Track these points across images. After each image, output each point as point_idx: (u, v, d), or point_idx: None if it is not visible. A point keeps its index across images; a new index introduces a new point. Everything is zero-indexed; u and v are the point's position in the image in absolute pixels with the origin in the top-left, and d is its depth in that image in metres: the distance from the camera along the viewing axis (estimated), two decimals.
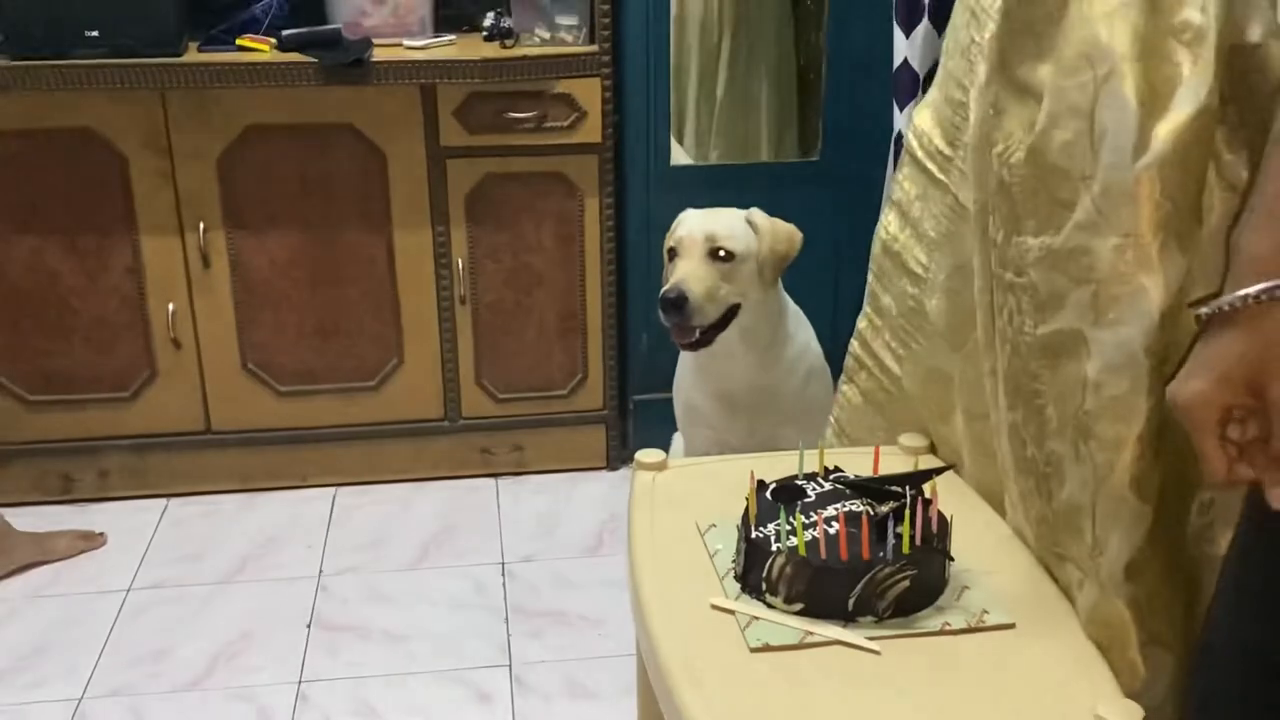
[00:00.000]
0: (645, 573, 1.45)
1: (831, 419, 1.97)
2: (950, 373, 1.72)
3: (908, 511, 1.34)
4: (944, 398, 1.74)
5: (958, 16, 1.56)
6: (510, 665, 2.29)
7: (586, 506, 2.85)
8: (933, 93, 1.65)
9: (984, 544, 1.47)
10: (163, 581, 2.55)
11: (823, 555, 1.34)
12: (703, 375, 2.30)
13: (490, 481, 2.95)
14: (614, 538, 2.71)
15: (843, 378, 1.90)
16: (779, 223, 2.19)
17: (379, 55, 2.59)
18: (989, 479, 1.57)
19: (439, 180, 2.70)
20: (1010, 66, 1.37)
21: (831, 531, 1.36)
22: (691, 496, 1.63)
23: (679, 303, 2.06)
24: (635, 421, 2.99)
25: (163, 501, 2.85)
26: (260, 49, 2.59)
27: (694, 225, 2.16)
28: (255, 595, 2.51)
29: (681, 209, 2.78)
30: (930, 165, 1.66)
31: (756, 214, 2.20)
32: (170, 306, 2.71)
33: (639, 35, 2.67)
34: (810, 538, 1.36)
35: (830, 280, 2.78)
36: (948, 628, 1.33)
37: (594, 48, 2.67)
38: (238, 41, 2.60)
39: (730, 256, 2.11)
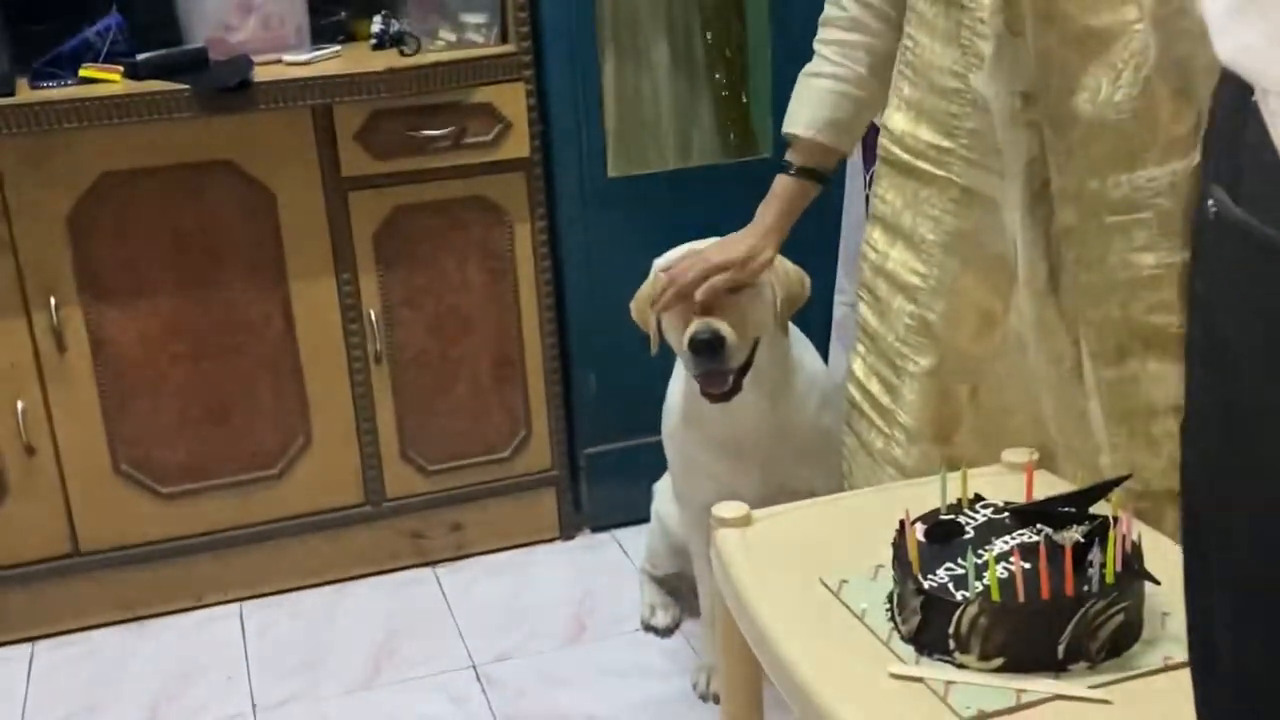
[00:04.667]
0: (793, 649, 1.38)
1: (844, 479, 1.99)
2: (956, 386, 1.77)
3: (1112, 534, 1.31)
4: (946, 416, 1.79)
5: (926, 9, 1.66)
6: None
7: (551, 586, 2.74)
8: (903, 93, 1.73)
9: (1150, 559, 1.45)
10: None
11: (1021, 598, 1.29)
12: (700, 424, 2.21)
13: (428, 572, 2.81)
14: (596, 619, 2.61)
15: (845, 429, 1.95)
16: (789, 263, 2.15)
17: (257, 75, 2.44)
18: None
19: (340, 218, 2.58)
20: (1068, 19, 1.50)
21: (1027, 567, 1.32)
22: (797, 551, 1.57)
23: (715, 344, 1.97)
24: (589, 480, 2.90)
25: (26, 648, 2.61)
26: (110, 78, 2.42)
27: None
28: None
29: (624, 226, 2.75)
30: (921, 164, 1.74)
31: None
32: (19, 405, 2.50)
33: (560, 28, 2.61)
34: (1003, 578, 1.31)
35: None
36: (1170, 661, 1.30)
37: (511, 47, 2.59)
38: (81, 73, 2.41)
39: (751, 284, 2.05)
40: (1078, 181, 1.57)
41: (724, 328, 1.99)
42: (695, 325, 1.99)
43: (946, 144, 1.70)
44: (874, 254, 1.85)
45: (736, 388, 2.06)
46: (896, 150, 1.79)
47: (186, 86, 2.39)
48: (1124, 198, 1.54)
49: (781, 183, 1.96)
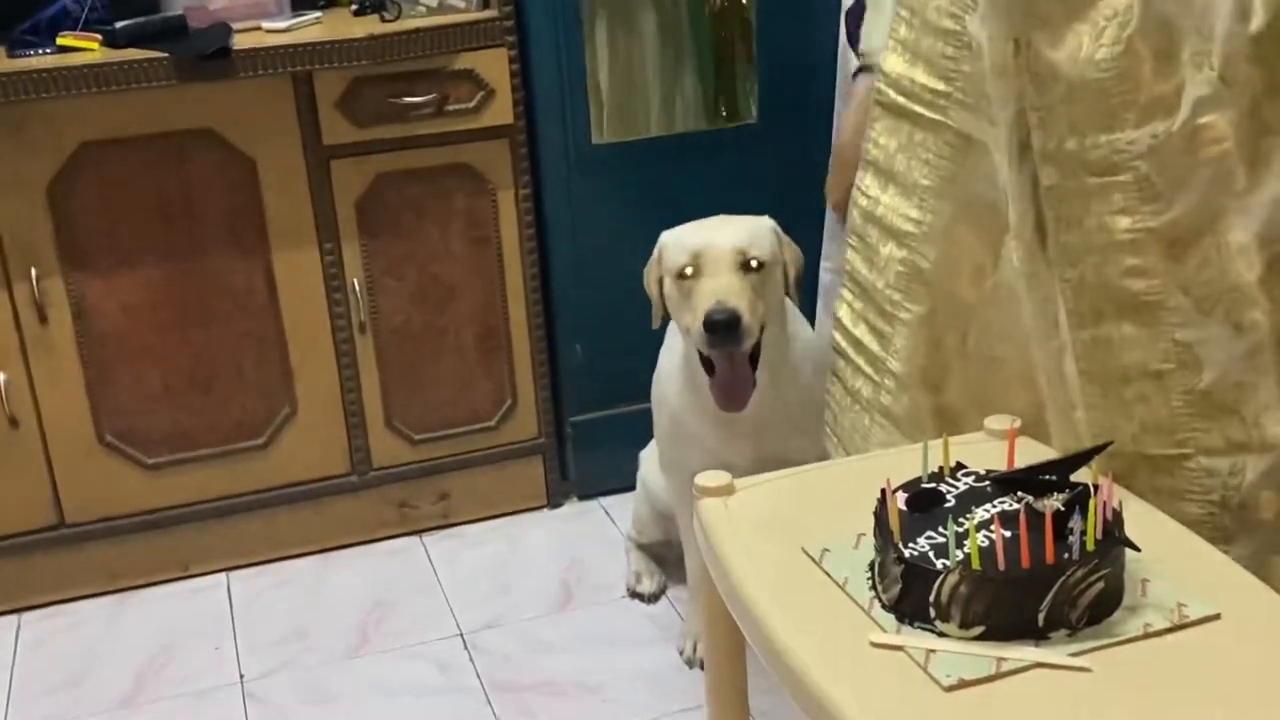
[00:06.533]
0: (774, 617, 1.38)
1: (826, 426, 1.98)
2: (947, 334, 1.76)
3: (1093, 502, 1.31)
4: (936, 364, 1.78)
5: None
6: None
7: (538, 554, 2.74)
8: (899, 34, 1.72)
9: (1131, 527, 1.45)
10: (45, 718, 2.33)
11: (1001, 566, 1.29)
12: (697, 393, 2.19)
13: (414, 541, 2.81)
14: (583, 586, 2.62)
15: (829, 376, 1.93)
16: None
17: (236, 42, 2.42)
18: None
19: (323, 186, 2.56)
20: None
21: (1008, 535, 1.32)
22: (779, 520, 1.57)
23: (732, 324, 1.95)
24: (575, 448, 2.89)
25: (13, 619, 2.62)
26: (88, 47, 2.40)
27: (716, 237, 2.04)
28: (169, 716, 2.32)
29: (609, 193, 2.74)
30: (916, 107, 1.73)
31: (774, 225, 2.13)
32: (1, 377, 2.49)
33: None
34: (983, 546, 1.31)
35: None
36: (1150, 629, 1.30)
37: (492, 12, 2.57)
38: (59, 41, 2.39)
39: (761, 266, 2.03)
40: (1057, 141, 1.56)
41: (741, 307, 1.96)
42: (711, 304, 1.96)
43: (942, 87, 1.69)
44: (865, 199, 1.83)
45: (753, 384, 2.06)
46: (891, 93, 1.77)
47: (165, 54, 2.37)
48: (1102, 159, 1.52)
49: (866, 84, 1.99)
